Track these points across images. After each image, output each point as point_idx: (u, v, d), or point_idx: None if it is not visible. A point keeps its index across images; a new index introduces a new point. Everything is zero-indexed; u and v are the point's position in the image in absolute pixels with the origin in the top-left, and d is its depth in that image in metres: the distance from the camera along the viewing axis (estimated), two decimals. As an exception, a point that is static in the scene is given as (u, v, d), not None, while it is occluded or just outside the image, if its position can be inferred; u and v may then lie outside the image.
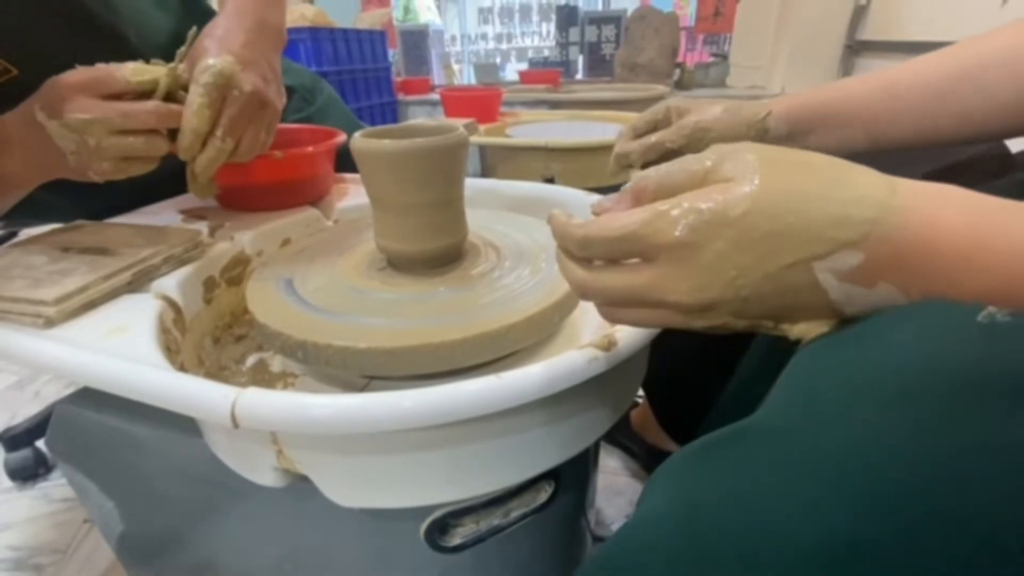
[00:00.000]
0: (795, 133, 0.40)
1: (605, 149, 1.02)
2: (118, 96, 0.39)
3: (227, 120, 0.41)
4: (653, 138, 0.41)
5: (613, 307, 0.23)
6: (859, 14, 1.82)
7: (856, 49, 1.86)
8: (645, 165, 0.40)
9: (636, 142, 0.43)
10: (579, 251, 0.23)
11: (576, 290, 0.24)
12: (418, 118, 1.91)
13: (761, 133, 0.40)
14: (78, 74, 0.38)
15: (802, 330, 0.21)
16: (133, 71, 0.40)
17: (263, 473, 0.32)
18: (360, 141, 0.39)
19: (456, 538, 0.34)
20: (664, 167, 0.22)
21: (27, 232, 0.61)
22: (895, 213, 0.18)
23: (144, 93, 0.40)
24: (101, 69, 0.39)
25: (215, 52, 0.40)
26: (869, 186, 0.19)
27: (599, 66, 2.47)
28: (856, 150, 0.38)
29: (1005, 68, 0.32)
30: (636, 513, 0.22)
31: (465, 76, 3.42)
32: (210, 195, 0.47)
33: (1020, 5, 1.11)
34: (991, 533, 0.13)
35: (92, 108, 0.37)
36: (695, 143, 0.40)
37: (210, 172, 0.43)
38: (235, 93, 0.41)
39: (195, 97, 0.39)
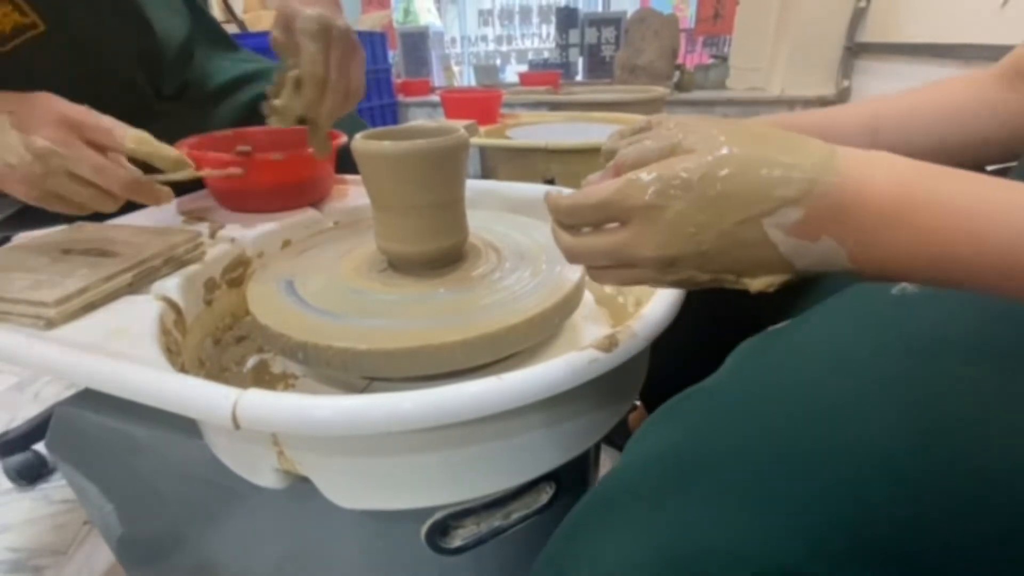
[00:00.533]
0: None
1: (605, 151, 1.02)
2: (102, 148, 0.38)
3: (335, 61, 0.43)
4: (640, 136, 0.43)
5: (598, 269, 0.27)
6: (858, 16, 1.82)
7: (856, 51, 1.87)
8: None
9: (625, 140, 0.45)
10: (567, 219, 0.26)
11: (566, 255, 0.27)
12: (418, 119, 1.91)
13: None
14: (78, 110, 0.38)
15: (762, 283, 0.23)
16: (137, 140, 0.39)
17: (264, 474, 0.32)
18: (361, 143, 0.39)
19: (457, 540, 0.34)
20: (640, 144, 0.25)
21: (18, 238, 0.61)
22: (831, 174, 0.21)
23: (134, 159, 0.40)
24: (104, 120, 0.39)
25: (305, 9, 0.42)
26: (811, 152, 0.22)
27: (599, 68, 2.47)
28: None
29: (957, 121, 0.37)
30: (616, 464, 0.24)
31: (465, 78, 3.43)
32: (328, 153, 0.47)
33: (1019, 7, 1.12)
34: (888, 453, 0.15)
35: (68, 144, 0.36)
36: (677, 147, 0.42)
37: (331, 122, 0.45)
38: (335, 34, 0.42)
39: (309, 46, 0.41)
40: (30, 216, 0.52)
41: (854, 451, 0.15)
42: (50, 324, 0.35)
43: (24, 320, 0.35)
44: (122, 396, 0.29)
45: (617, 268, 0.26)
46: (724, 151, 0.22)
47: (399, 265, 0.44)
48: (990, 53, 1.16)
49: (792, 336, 0.22)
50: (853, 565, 0.15)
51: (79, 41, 0.44)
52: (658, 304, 0.34)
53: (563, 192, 0.27)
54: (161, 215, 0.54)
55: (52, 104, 0.38)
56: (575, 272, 0.42)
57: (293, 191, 0.57)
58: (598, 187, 0.24)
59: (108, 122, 0.39)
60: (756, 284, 0.23)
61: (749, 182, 0.21)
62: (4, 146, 0.36)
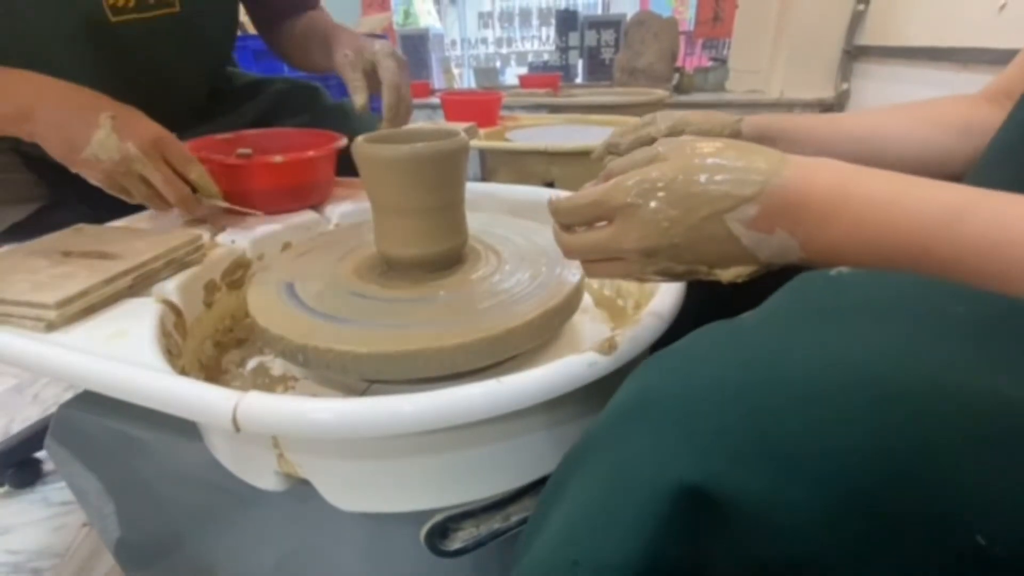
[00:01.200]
0: (763, 140, 0.44)
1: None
2: (172, 167, 0.47)
3: (405, 81, 0.56)
4: (641, 131, 0.46)
5: (590, 263, 0.31)
6: (857, 19, 1.83)
7: (854, 54, 1.87)
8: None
9: (627, 135, 0.47)
10: (565, 219, 0.30)
11: (563, 250, 0.31)
12: (418, 122, 1.91)
13: (735, 135, 0.44)
14: (166, 133, 0.47)
15: (731, 274, 0.27)
16: (198, 173, 0.49)
17: (264, 477, 0.32)
18: (362, 146, 0.39)
19: (456, 542, 0.34)
20: (627, 156, 0.29)
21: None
22: (780, 176, 0.25)
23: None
24: (183, 148, 0.48)
25: (372, 43, 0.56)
26: (764, 158, 0.26)
27: (599, 70, 2.48)
28: None
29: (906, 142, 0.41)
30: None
31: (465, 80, 3.43)
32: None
33: (1016, 11, 1.12)
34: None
35: (151, 156, 0.45)
36: (676, 133, 0.44)
37: (403, 123, 0.56)
38: (399, 55, 0.56)
39: (391, 64, 0.54)
40: (29, 229, 0.55)
41: (775, 385, 0.18)
42: (51, 326, 0.35)
43: (25, 322, 0.35)
44: (123, 398, 0.29)
45: (606, 261, 0.29)
46: (690, 158, 0.26)
47: (399, 267, 0.44)
48: (988, 56, 1.17)
49: (745, 316, 0.25)
50: (766, 471, 0.16)
51: (196, 28, 0.57)
52: (657, 307, 0.34)
53: (558, 196, 0.30)
54: (162, 218, 0.54)
55: (146, 122, 0.46)
56: (574, 275, 0.42)
57: (293, 193, 0.57)
58: (590, 189, 0.29)
59: (184, 151, 0.48)
60: (727, 275, 0.27)
61: (711, 183, 0.25)
62: (102, 144, 0.43)
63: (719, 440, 0.17)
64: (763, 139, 0.44)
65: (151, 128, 0.46)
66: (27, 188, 0.58)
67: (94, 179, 0.45)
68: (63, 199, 0.59)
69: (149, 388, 0.28)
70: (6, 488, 0.76)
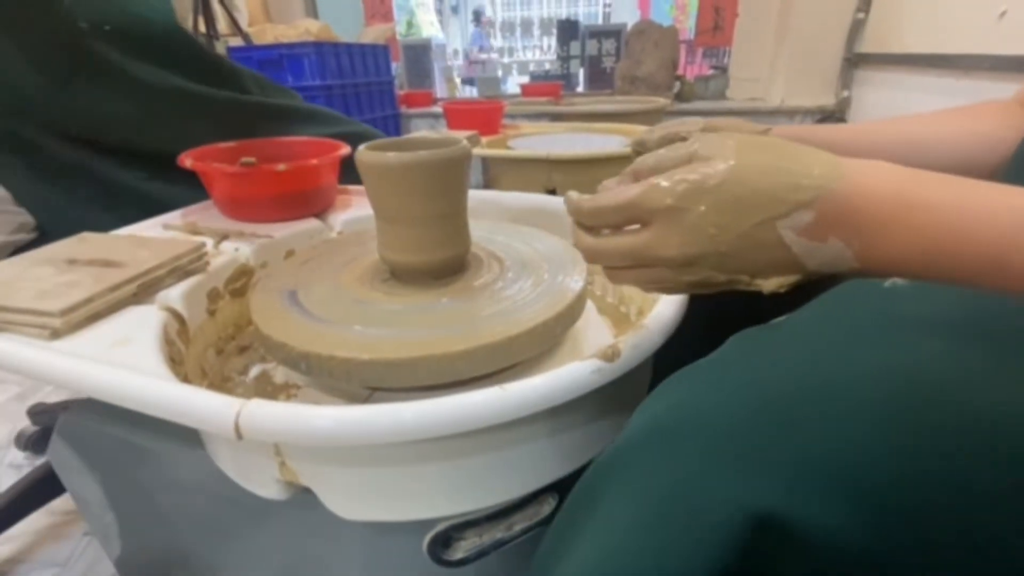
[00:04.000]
0: None
1: (606, 161, 1.03)
2: None
3: None
4: (670, 128, 0.44)
5: (616, 269, 0.28)
6: (857, 27, 1.84)
7: (855, 61, 1.88)
8: None
9: (655, 132, 0.46)
10: (589, 221, 0.27)
11: (586, 255, 0.28)
12: (421, 130, 1.92)
13: None
14: None
15: (774, 284, 0.25)
16: None
17: (266, 485, 0.32)
18: (365, 154, 0.39)
19: (459, 552, 0.33)
20: (659, 152, 0.26)
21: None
22: (837, 181, 0.23)
23: None
24: None
25: None
26: (818, 161, 0.24)
27: (600, 79, 2.49)
28: None
29: (946, 144, 0.40)
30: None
31: (467, 89, 3.45)
32: None
33: (1017, 17, 1.12)
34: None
35: None
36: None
37: None
38: None
39: None
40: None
41: (842, 415, 0.17)
42: (55, 334, 0.35)
43: (30, 330, 0.35)
44: (125, 406, 0.29)
45: (635, 268, 0.27)
46: (740, 159, 0.24)
47: (402, 275, 0.44)
48: (989, 63, 1.17)
49: (785, 324, 0.24)
50: (833, 503, 0.16)
51: None
52: (660, 313, 0.34)
53: (582, 195, 0.28)
54: (166, 226, 0.55)
55: None
56: (577, 282, 0.42)
57: (296, 201, 0.57)
58: (620, 190, 0.26)
59: None
60: (769, 285, 0.25)
61: (765, 187, 0.23)
62: None
63: (794, 467, 0.16)
64: None
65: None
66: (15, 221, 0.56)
67: None
68: (45, 227, 0.56)
69: (152, 396, 0.28)
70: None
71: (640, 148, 0.45)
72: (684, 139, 0.44)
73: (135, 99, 0.50)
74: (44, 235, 0.56)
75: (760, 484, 0.17)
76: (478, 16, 3.79)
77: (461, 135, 1.13)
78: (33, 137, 0.50)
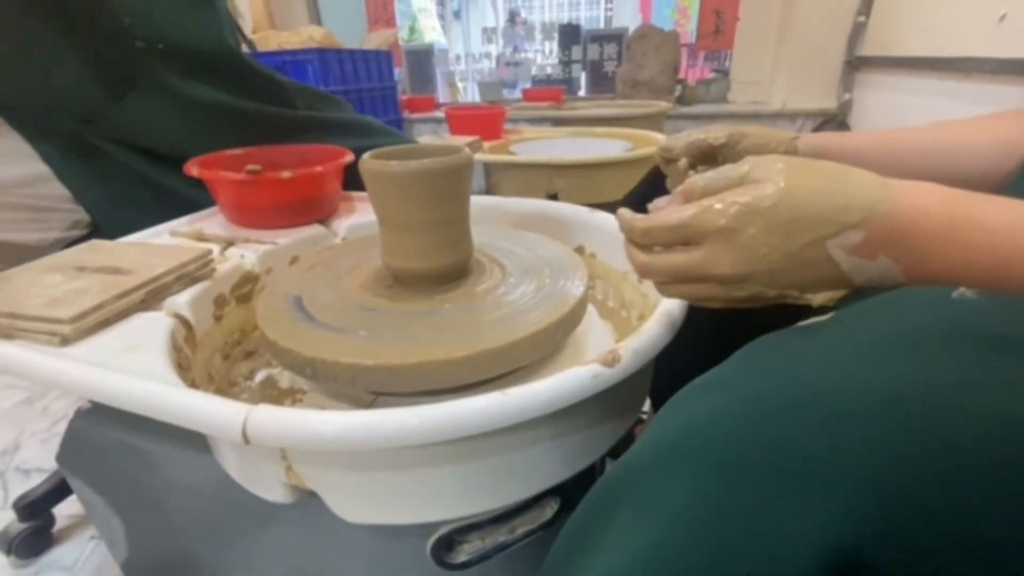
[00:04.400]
0: (821, 158, 0.43)
1: (606, 165, 1.03)
2: None
3: None
4: (696, 135, 0.45)
5: (668, 284, 0.29)
6: (858, 30, 1.84)
7: (856, 64, 1.88)
8: (690, 162, 0.44)
9: (680, 139, 0.46)
10: (642, 239, 0.29)
11: (639, 270, 0.30)
12: (423, 135, 1.93)
13: (791, 152, 0.44)
14: None
15: (823, 297, 0.26)
16: None
17: (272, 489, 0.33)
18: (368, 162, 0.40)
19: (462, 555, 0.34)
20: (709, 174, 0.27)
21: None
22: (886, 202, 0.24)
23: None
24: None
25: None
26: (866, 182, 0.25)
27: (602, 83, 2.50)
28: None
29: (979, 146, 0.40)
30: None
31: (469, 94, 3.46)
32: None
33: (1016, 21, 1.13)
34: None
35: None
36: (733, 144, 0.44)
37: None
38: None
39: None
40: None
41: (896, 441, 0.15)
42: (65, 341, 0.36)
43: (40, 337, 0.36)
44: (135, 412, 0.30)
45: (687, 283, 0.28)
46: (789, 181, 0.25)
47: (405, 281, 0.44)
48: (990, 66, 1.17)
49: (816, 331, 0.23)
50: (906, 537, 0.15)
51: None
52: (660, 318, 0.34)
53: (634, 214, 0.30)
54: (172, 233, 0.55)
55: None
56: (578, 287, 0.42)
57: (301, 208, 0.58)
58: (673, 211, 0.27)
59: None
60: (818, 299, 0.26)
61: (815, 208, 0.24)
62: None
63: (877, 499, 0.15)
64: (821, 157, 0.43)
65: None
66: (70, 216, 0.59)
67: None
68: (100, 223, 0.60)
69: (161, 401, 0.29)
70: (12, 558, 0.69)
71: (667, 154, 0.46)
72: (711, 146, 0.45)
73: (184, 114, 0.54)
74: (96, 231, 0.59)
75: (818, 511, 0.15)
76: (513, 16, 3.77)
77: (463, 141, 1.14)
78: (96, 142, 0.54)
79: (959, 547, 0.15)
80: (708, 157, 0.44)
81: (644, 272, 0.30)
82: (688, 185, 0.28)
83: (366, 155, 0.41)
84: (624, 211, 0.30)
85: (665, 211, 0.28)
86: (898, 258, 0.24)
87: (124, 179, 0.50)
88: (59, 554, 0.71)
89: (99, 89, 0.46)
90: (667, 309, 0.34)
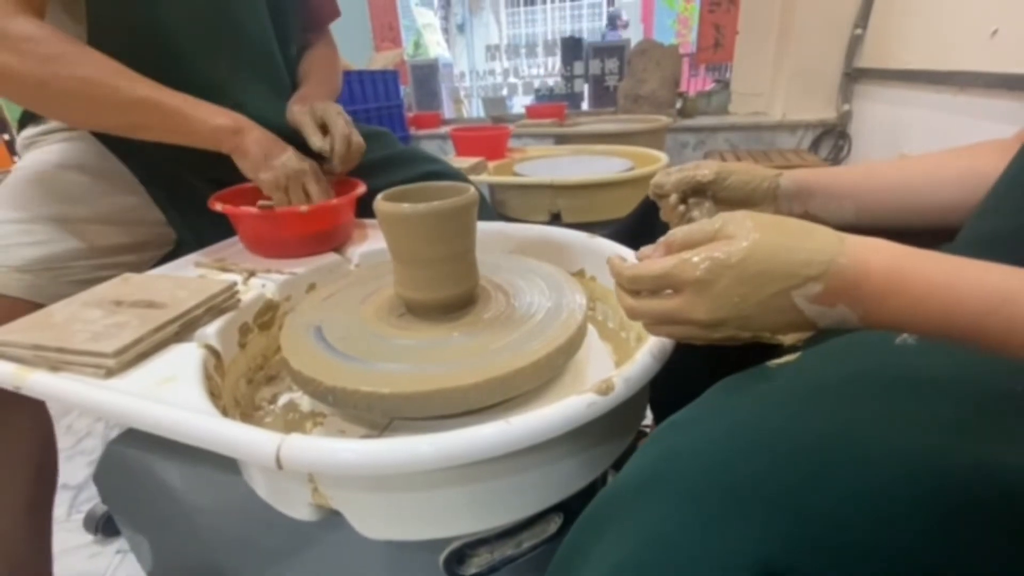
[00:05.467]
0: (801, 194, 0.47)
1: (607, 185, 1.07)
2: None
3: (354, 132, 0.66)
4: (686, 172, 0.48)
5: (654, 325, 0.33)
6: (855, 43, 1.87)
7: (854, 76, 1.91)
8: (680, 196, 0.47)
9: (671, 176, 0.48)
10: (629, 285, 0.33)
11: (627, 313, 0.33)
12: (428, 151, 1.97)
13: (773, 188, 0.47)
14: (318, 168, 0.64)
15: (792, 338, 0.30)
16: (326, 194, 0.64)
17: (299, 508, 0.36)
18: (382, 204, 0.43)
19: (472, 568, 0.37)
20: (686, 228, 0.31)
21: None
22: (842, 256, 0.27)
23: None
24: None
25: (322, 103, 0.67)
26: (826, 239, 0.28)
27: (604, 96, 2.54)
28: (846, 220, 0.46)
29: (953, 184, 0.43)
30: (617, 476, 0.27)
31: (474, 108, 3.52)
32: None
33: (1008, 36, 1.15)
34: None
35: (314, 173, 0.63)
36: (720, 180, 0.47)
37: (349, 168, 0.68)
38: (345, 116, 0.67)
39: (340, 120, 0.65)
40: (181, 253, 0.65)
41: (837, 473, 0.18)
42: (110, 373, 0.39)
43: (87, 370, 0.39)
44: (177, 440, 0.33)
45: (670, 325, 0.32)
46: (757, 238, 0.28)
47: (417, 310, 0.48)
48: (983, 80, 1.19)
49: (779, 373, 0.26)
50: (820, 556, 0.17)
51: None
52: (652, 347, 0.37)
53: (624, 258, 0.34)
54: (197, 266, 0.59)
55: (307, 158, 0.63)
56: (578, 314, 0.45)
57: (318, 239, 0.62)
58: (655, 262, 0.31)
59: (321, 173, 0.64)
60: (788, 339, 0.30)
61: (780, 263, 0.27)
62: (291, 158, 0.60)
63: (790, 520, 0.17)
64: (801, 192, 0.47)
65: (314, 162, 0.64)
66: (165, 242, 0.71)
67: (269, 182, 0.59)
68: (184, 240, 0.71)
69: (201, 431, 0.32)
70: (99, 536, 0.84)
71: (658, 191, 0.49)
72: (700, 182, 0.48)
73: None
74: (180, 248, 0.71)
75: (757, 536, 0.18)
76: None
77: (468, 163, 1.18)
78: (188, 179, 0.67)
79: (853, 560, 0.17)
80: (697, 191, 0.47)
81: (632, 315, 0.33)
82: (669, 237, 0.32)
83: (380, 196, 0.44)
84: (614, 259, 0.33)
85: (649, 261, 0.31)
86: (853, 306, 0.27)
87: (205, 207, 0.61)
88: (87, 569, 0.74)
89: (220, 158, 0.59)
90: (655, 342, 0.37)
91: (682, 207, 0.47)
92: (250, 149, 0.58)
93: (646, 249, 0.33)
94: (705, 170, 0.47)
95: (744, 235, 0.28)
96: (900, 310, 0.26)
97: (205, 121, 0.57)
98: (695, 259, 0.28)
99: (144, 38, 0.59)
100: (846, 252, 0.27)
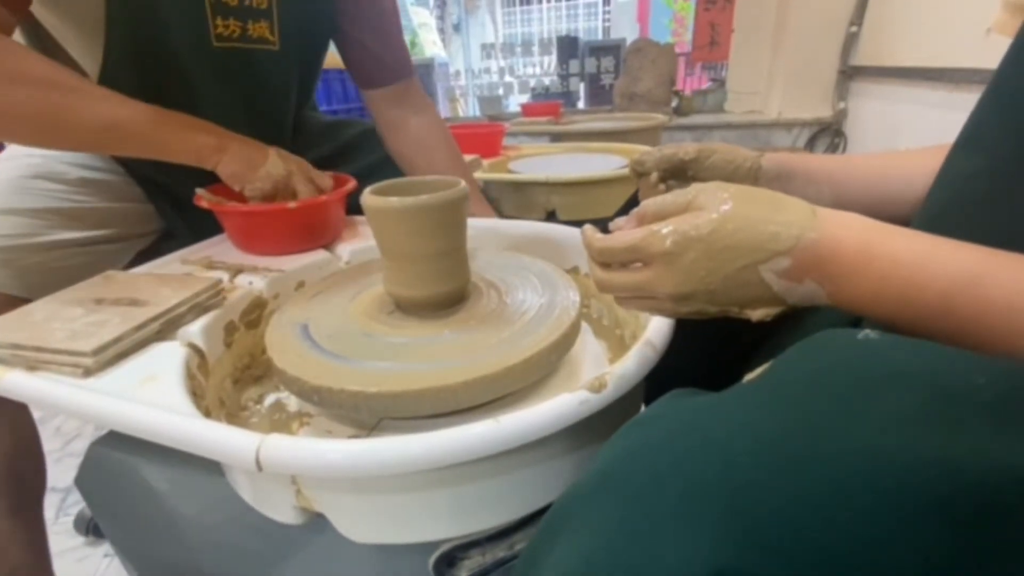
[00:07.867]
0: (782, 176, 0.46)
1: (602, 183, 1.06)
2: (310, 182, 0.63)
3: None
4: (667, 150, 0.47)
5: (624, 299, 0.32)
6: (851, 41, 1.87)
7: (850, 74, 1.91)
8: (661, 175, 0.46)
9: (653, 154, 0.48)
10: (600, 258, 0.32)
11: (597, 286, 0.33)
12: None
13: (755, 169, 0.46)
14: (309, 165, 0.63)
15: (760, 314, 0.29)
16: (327, 186, 0.64)
17: (283, 511, 0.35)
18: (369, 198, 0.42)
19: (463, 571, 0.36)
20: (659, 198, 0.30)
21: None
22: (812, 231, 0.26)
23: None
24: (319, 173, 0.64)
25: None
26: (796, 212, 0.27)
27: (600, 95, 2.54)
28: (824, 205, 0.44)
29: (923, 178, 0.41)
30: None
31: (470, 107, 3.51)
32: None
33: (1001, 36, 1.15)
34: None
35: (302, 172, 0.62)
36: (703, 159, 0.46)
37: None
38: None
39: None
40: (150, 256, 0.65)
41: (794, 471, 0.17)
42: (88, 372, 0.38)
43: (64, 369, 0.38)
44: (156, 441, 0.32)
45: (639, 299, 0.31)
46: (726, 208, 0.27)
47: (406, 307, 0.47)
48: (978, 77, 1.19)
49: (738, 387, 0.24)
50: (774, 559, 0.16)
51: (289, 64, 0.70)
52: (645, 344, 0.36)
53: (596, 230, 0.33)
54: (183, 262, 0.58)
55: (294, 156, 0.63)
56: (571, 311, 0.44)
57: (307, 235, 0.60)
58: (625, 234, 0.30)
59: (317, 172, 0.64)
60: (756, 314, 0.29)
61: (749, 236, 0.27)
62: (274, 164, 0.60)
63: (755, 528, 0.17)
64: (782, 174, 0.46)
65: (300, 159, 0.63)
66: (147, 219, 0.70)
67: (257, 195, 0.59)
68: (174, 230, 0.71)
69: (180, 432, 0.31)
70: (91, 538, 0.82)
71: (639, 168, 0.48)
72: (682, 160, 0.47)
73: None
74: (169, 239, 0.71)
75: (708, 541, 0.17)
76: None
77: (464, 159, 1.16)
78: (177, 188, 0.66)
79: (811, 564, 0.16)
80: (679, 171, 0.46)
81: (602, 287, 0.32)
82: (641, 208, 0.31)
83: (368, 191, 0.43)
84: (588, 228, 0.32)
85: (619, 233, 0.30)
86: (821, 283, 0.27)
87: (196, 210, 0.61)
88: (74, 572, 0.73)
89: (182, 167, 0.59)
90: (649, 338, 0.36)
91: (662, 186, 0.46)
92: (232, 165, 0.57)
93: (620, 220, 0.32)
94: (688, 148, 0.46)
95: (714, 207, 0.27)
96: (868, 288, 0.25)
97: (185, 141, 0.56)
98: (663, 231, 0.28)
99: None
100: (817, 227, 0.26)
